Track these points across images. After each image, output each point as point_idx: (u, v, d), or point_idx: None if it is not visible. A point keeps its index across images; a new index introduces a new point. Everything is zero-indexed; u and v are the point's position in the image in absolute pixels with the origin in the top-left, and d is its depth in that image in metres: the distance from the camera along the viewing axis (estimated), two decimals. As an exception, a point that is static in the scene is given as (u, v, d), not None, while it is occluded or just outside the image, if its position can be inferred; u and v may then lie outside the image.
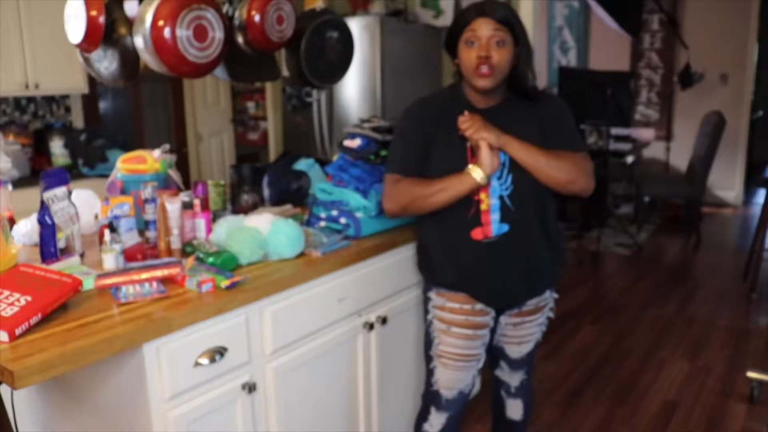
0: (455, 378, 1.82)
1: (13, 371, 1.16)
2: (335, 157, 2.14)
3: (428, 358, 1.87)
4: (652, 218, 6.08)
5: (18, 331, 1.28)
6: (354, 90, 3.92)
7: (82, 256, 1.75)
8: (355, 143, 2.07)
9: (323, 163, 2.45)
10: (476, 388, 2.60)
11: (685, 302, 4.01)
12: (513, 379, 1.98)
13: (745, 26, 6.26)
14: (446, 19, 4.11)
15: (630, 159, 5.91)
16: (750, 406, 2.74)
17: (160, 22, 1.84)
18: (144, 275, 1.52)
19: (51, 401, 1.72)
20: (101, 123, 4.60)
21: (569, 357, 3.25)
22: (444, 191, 1.65)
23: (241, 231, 1.76)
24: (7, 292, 1.37)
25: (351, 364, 1.97)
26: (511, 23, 1.61)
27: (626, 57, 6.87)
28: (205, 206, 1.90)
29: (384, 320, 2.03)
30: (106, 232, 1.68)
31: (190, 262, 1.64)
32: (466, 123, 1.63)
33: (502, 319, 1.84)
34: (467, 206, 1.68)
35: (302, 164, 2.40)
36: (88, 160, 3.81)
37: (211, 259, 1.68)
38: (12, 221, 1.90)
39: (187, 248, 1.80)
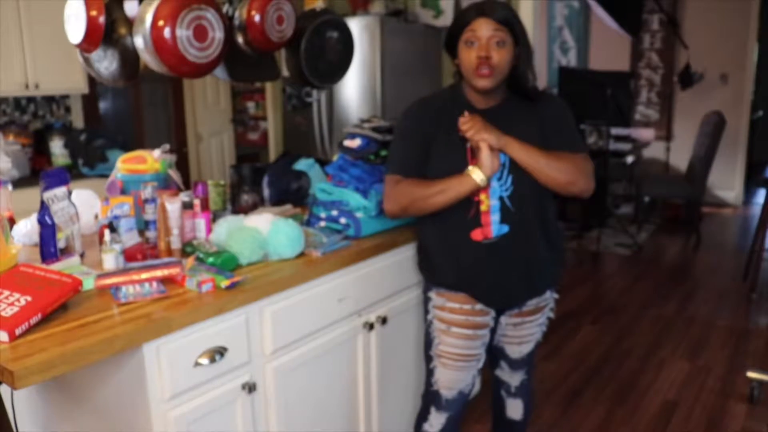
0: (455, 378, 1.82)
1: (13, 371, 1.16)
2: (335, 157, 2.14)
3: (428, 358, 1.87)
4: (652, 218, 6.08)
5: (18, 331, 1.28)
6: (354, 90, 3.92)
7: (82, 256, 1.75)
8: (355, 143, 2.07)
9: (323, 163, 2.45)
10: (476, 388, 2.60)
11: (685, 302, 4.01)
12: (513, 379, 1.98)
13: (745, 26, 6.26)
14: (446, 19, 4.11)
15: (630, 159, 5.91)
16: (750, 406, 2.74)
17: (160, 22, 1.84)
18: (144, 275, 1.52)
19: (51, 401, 1.72)
20: (101, 123, 4.60)
21: (569, 357, 3.25)
22: (444, 192, 1.65)
23: (241, 231, 1.76)
24: (7, 292, 1.37)
25: (351, 364, 1.97)
26: (511, 23, 1.61)
27: (626, 57, 6.87)
28: (205, 206, 1.90)
29: (384, 320, 2.03)
30: (106, 232, 1.68)
31: (190, 262, 1.64)
32: (467, 124, 1.63)
33: (503, 319, 1.84)
34: (467, 207, 1.68)
35: (302, 164, 2.40)
36: (88, 160, 3.81)
37: (211, 259, 1.68)
38: (12, 221, 1.90)
39: (187, 248, 1.80)
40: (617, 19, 6.22)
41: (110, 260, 1.66)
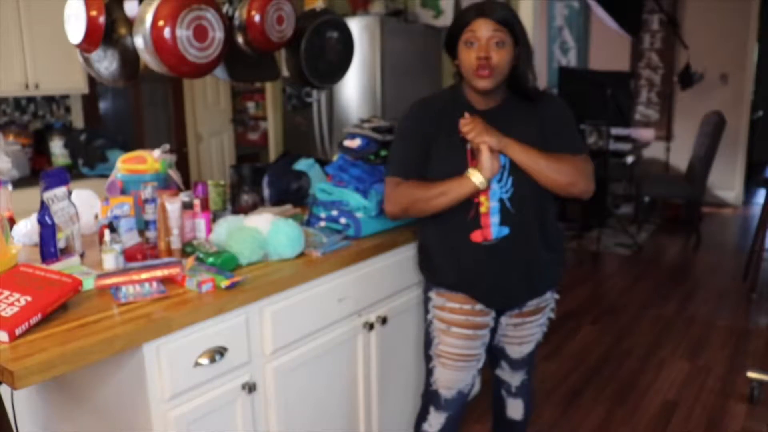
0: (454, 378, 1.82)
1: (13, 371, 1.16)
2: (335, 157, 2.14)
3: (428, 358, 1.87)
4: (652, 218, 6.08)
5: (18, 331, 1.28)
6: (354, 90, 3.92)
7: (82, 256, 1.75)
8: (355, 143, 2.07)
9: (323, 163, 2.45)
10: (476, 388, 2.60)
11: (685, 302, 4.01)
12: (514, 378, 1.98)
13: (745, 26, 6.26)
14: (446, 19, 4.11)
15: (630, 159, 5.91)
16: (750, 406, 2.74)
17: (160, 22, 1.84)
18: (144, 275, 1.52)
19: (51, 401, 1.72)
20: (101, 123, 4.60)
21: (569, 357, 3.25)
22: (444, 195, 1.65)
23: (241, 231, 1.76)
24: (7, 292, 1.37)
25: (351, 364, 1.97)
26: (510, 23, 1.61)
27: (626, 57, 6.87)
28: (205, 206, 1.90)
29: (384, 320, 2.03)
30: (106, 232, 1.68)
31: (190, 262, 1.64)
32: (468, 125, 1.62)
33: (503, 319, 1.84)
34: (467, 209, 1.68)
35: (302, 164, 2.40)
36: (88, 160, 3.81)
37: (211, 259, 1.68)
38: (12, 221, 1.90)
39: (187, 248, 1.80)
40: (617, 19, 6.22)
41: (110, 260, 1.66)
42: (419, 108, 1.77)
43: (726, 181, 6.60)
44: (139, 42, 1.90)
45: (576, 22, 7.03)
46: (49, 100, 4.14)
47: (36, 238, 1.78)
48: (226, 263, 1.67)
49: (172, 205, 1.82)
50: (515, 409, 2.03)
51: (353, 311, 1.93)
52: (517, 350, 1.91)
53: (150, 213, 1.83)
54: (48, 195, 1.67)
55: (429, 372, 1.88)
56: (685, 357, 3.24)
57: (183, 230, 1.86)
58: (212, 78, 2.75)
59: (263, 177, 2.25)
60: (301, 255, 1.83)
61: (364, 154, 2.05)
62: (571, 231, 5.43)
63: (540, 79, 1.74)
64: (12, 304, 1.33)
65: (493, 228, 1.68)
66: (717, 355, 3.25)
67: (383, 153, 2.05)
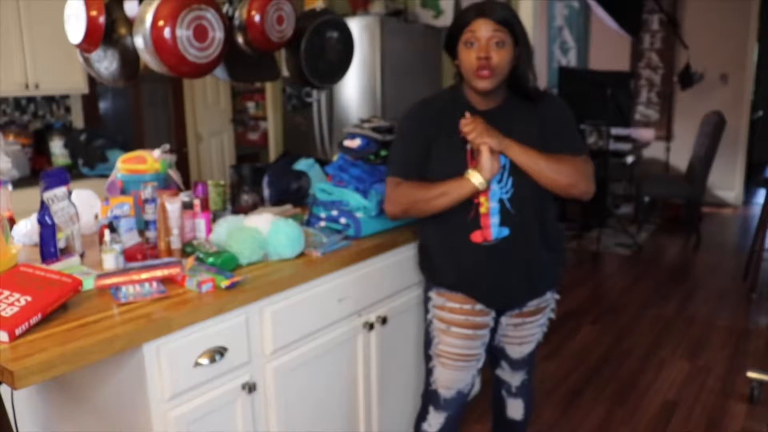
0: (454, 378, 1.82)
1: (13, 371, 1.16)
2: (335, 157, 2.14)
3: (427, 358, 1.87)
4: (652, 218, 6.08)
5: (18, 331, 1.28)
6: (354, 90, 3.92)
7: (82, 256, 1.75)
8: (355, 143, 2.07)
9: (323, 163, 2.45)
10: (476, 389, 2.60)
11: (685, 302, 4.01)
12: (514, 379, 1.98)
13: (745, 26, 6.26)
14: (446, 19, 4.11)
15: (630, 159, 5.91)
16: (750, 406, 2.74)
17: (160, 22, 1.84)
18: (144, 275, 1.52)
19: (51, 401, 1.72)
20: (101, 123, 4.60)
21: (569, 357, 3.25)
22: (444, 196, 1.65)
23: (241, 231, 1.76)
24: (7, 292, 1.37)
25: (351, 364, 1.97)
26: (510, 24, 1.61)
27: (626, 57, 6.87)
28: (205, 206, 1.90)
29: (384, 320, 2.03)
30: (106, 232, 1.68)
31: (190, 262, 1.64)
32: (468, 126, 1.62)
33: (503, 319, 1.84)
34: (467, 209, 1.68)
35: (302, 164, 2.40)
36: (88, 160, 3.81)
37: (211, 259, 1.68)
38: (12, 221, 1.90)
39: (187, 248, 1.80)
40: (617, 19, 6.22)
41: (110, 260, 1.66)
42: (419, 108, 1.77)
43: (726, 181, 6.60)
44: (139, 42, 1.90)
45: (576, 22, 7.03)
46: (49, 100, 4.14)
47: (36, 238, 1.78)
48: (226, 263, 1.67)
49: (172, 205, 1.82)
50: (515, 409, 2.03)
51: (353, 311, 1.93)
52: (517, 350, 1.91)
53: (150, 213, 1.83)
54: (48, 195, 1.67)
55: (429, 372, 1.88)
56: (685, 357, 3.24)
57: (183, 230, 1.86)
58: (212, 78, 2.75)
59: (263, 177, 2.25)
60: (301, 255, 1.83)
61: (364, 154, 2.05)
62: (571, 231, 5.43)
63: (540, 79, 1.73)
64: (12, 304, 1.33)
65: (492, 229, 1.68)
66: (717, 355, 3.25)
67: (383, 153, 2.05)
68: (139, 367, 1.39)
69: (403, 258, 2.08)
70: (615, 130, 5.97)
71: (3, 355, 1.22)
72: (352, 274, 1.90)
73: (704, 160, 5.15)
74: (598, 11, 6.30)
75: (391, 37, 3.85)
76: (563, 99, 1.80)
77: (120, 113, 5.10)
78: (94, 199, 2.06)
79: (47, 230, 1.66)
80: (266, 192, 2.25)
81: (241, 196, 2.23)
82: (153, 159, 2.09)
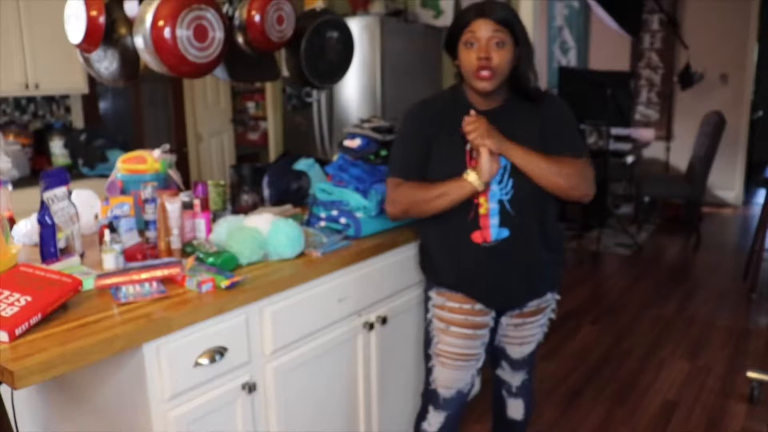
0: (453, 377, 1.82)
1: (13, 371, 1.16)
2: (335, 157, 2.14)
3: (427, 357, 1.87)
4: (652, 218, 6.08)
5: (18, 331, 1.28)
6: (354, 90, 3.92)
7: (82, 256, 1.75)
8: (355, 143, 2.07)
9: (323, 163, 2.45)
10: (476, 388, 2.60)
11: (685, 302, 4.01)
12: (514, 379, 1.98)
13: (745, 26, 6.26)
14: (446, 19, 4.11)
15: (630, 159, 5.91)
16: (750, 406, 2.74)
17: (160, 22, 1.84)
18: (144, 275, 1.52)
19: (51, 401, 1.72)
20: (101, 123, 4.60)
21: (569, 357, 3.25)
22: (444, 196, 1.65)
23: (241, 231, 1.76)
24: (7, 292, 1.37)
25: (351, 364, 1.97)
26: (510, 24, 1.61)
27: (626, 57, 6.87)
28: (205, 206, 1.90)
29: (384, 320, 2.03)
30: (106, 232, 1.68)
31: (190, 262, 1.64)
32: (471, 125, 1.62)
33: (503, 319, 1.84)
34: (467, 209, 1.68)
35: (302, 164, 2.40)
36: (88, 160, 3.81)
37: (211, 259, 1.68)
38: (12, 221, 1.90)
39: (187, 248, 1.80)
40: (617, 19, 6.22)
41: (110, 260, 1.66)
42: (420, 109, 1.77)
43: (726, 181, 6.60)
44: (139, 42, 1.90)
45: (576, 22, 7.03)
46: (49, 100, 4.14)
47: (36, 238, 1.78)
48: (226, 263, 1.67)
49: (172, 205, 1.82)
50: (516, 409, 2.03)
51: (353, 311, 1.93)
52: (517, 350, 1.91)
53: (150, 213, 1.83)
54: (48, 195, 1.67)
55: (428, 371, 1.88)
56: (685, 357, 3.24)
57: (183, 230, 1.86)
58: (212, 78, 2.75)
59: (263, 177, 2.25)
60: (301, 255, 1.83)
61: (364, 154, 2.05)
62: (571, 231, 5.43)
63: (540, 79, 1.73)
64: (12, 304, 1.33)
65: (492, 229, 1.67)
66: (717, 355, 3.25)
67: (383, 153, 2.05)
68: (139, 367, 1.39)
69: (403, 258, 2.08)
70: (615, 130, 5.97)
71: (3, 355, 1.22)
72: (352, 274, 1.90)
73: (704, 160, 5.15)
74: (598, 11, 6.30)
75: (391, 37, 3.85)
76: (563, 99, 1.80)
77: (120, 113, 5.10)
78: (94, 199, 2.06)
79: (47, 230, 1.66)
80: (266, 192, 2.25)
81: (241, 196, 2.23)
82: (153, 159, 2.09)
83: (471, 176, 1.62)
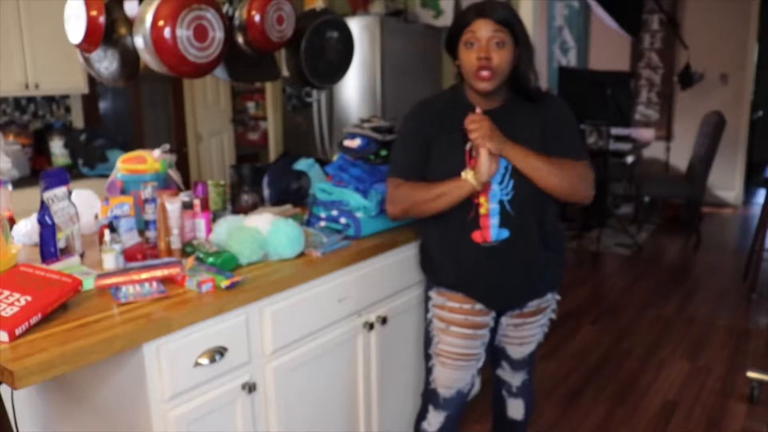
0: (453, 377, 1.82)
1: (13, 371, 1.16)
2: (335, 157, 2.14)
3: (427, 357, 1.87)
4: (652, 218, 6.08)
5: (18, 331, 1.28)
6: (354, 90, 3.92)
7: (82, 256, 1.75)
8: (355, 143, 2.07)
9: (323, 163, 2.45)
10: (476, 388, 2.60)
11: (685, 302, 4.01)
12: (515, 379, 1.98)
13: (745, 26, 6.26)
14: (446, 19, 4.11)
15: (630, 159, 5.91)
16: (750, 406, 2.74)
17: (160, 22, 1.84)
18: (144, 275, 1.52)
19: (51, 401, 1.72)
20: (101, 123, 4.60)
21: (569, 357, 3.25)
22: (443, 196, 1.65)
23: (241, 231, 1.76)
24: (7, 292, 1.37)
25: (351, 364, 1.97)
26: (511, 24, 1.60)
27: (626, 57, 6.87)
28: (205, 206, 1.90)
29: (384, 320, 2.03)
30: (106, 232, 1.68)
31: (190, 262, 1.64)
32: (474, 124, 1.61)
33: (504, 320, 1.84)
34: (468, 209, 1.67)
35: (302, 164, 2.40)
36: (88, 160, 3.81)
37: (211, 259, 1.68)
38: (12, 221, 1.90)
39: (187, 248, 1.80)
40: (617, 19, 6.22)
41: (110, 260, 1.66)
42: (420, 109, 1.77)
43: (726, 181, 6.60)
44: (139, 42, 1.90)
45: (576, 22, 7.03)
46: (49, 100, 4.14)
47: (36, 238, 1.78)
48: (226, 263, 1.67)
49: (172, 205, 1.82)
50: (516, 409, 2.03)
51: (353, 311, 1.93)
52: (517, 351, 1.91)
53: (150, 213, 1.83)
54: (48, 195, 1.67)
55: (428, 371, 1.88)
56: (685, 357, 3.24)
57: (183, 230, 1.86)
58: (212, 78, 2.75)
59: (263, 177, 2.25)
60: (301, 255, 1.83)
61: (364, 154, 2.05)
62: (571, 231, 5.43)
63: (540, 80, 1.73)
64: (12, 304, 1.33)
65: (492, 230, 1.67)
66: (717, 355, 3.25)
67: (383, 153, 2.05)
68: (139, 367, 1.39)
69: (403, 258, 2.08)
70: (615, 130, 5.97)
71: (3, 355, 1.22)
72: (352, 274, 1.90)
73: (704, 160, 5.15)
74: (598, 11, 6.30)
75: (391, 37, 3.85)
76: (563, 99, 1.79)
77: (120, 113, 5.10)
78: (94, 199, 2.06)
79: (47, 230, 1.66)
80: (266, 192, 2.25)
81: (241, 196, 2.23)
82: (153, 159, 2.09)
83: (469, 175, 1.62)
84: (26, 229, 1.91)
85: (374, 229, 2.03)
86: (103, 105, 4.82)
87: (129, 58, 2.02)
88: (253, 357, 1.63)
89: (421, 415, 1.92)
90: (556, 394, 2.87)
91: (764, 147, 7.62)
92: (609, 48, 6.88)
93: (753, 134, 6.84)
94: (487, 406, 2.19)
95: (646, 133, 6.71)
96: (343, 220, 2.00)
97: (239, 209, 2.19)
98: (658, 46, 6.71)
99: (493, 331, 1.86)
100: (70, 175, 1.78)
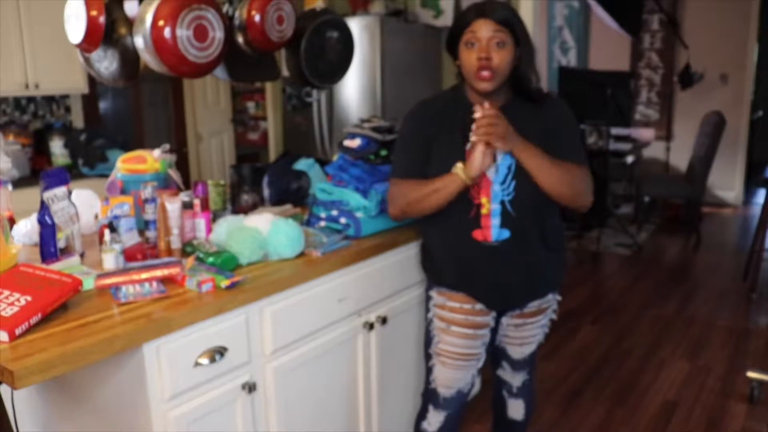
0: (454, 377, 1.82)
1: (13, 371, 1.16)
2: (335, 157, 2.14)
3: (428, 356, 1.87)
4: (652, 218, 6.08)
5: (18, 331, 1.28)
6: (354, 90, 3.92)
7: (82, 256, 1.75)
8: (355, 143, 2.07)
9: (323, 163, 2.45)
10: (476, 388, 2.60)
11: (685, 302, 4.01)
12: (515, 379, 1.98)
13: (745, 26, 6.26)
14: (446, 19, 4.11)
15: (630, 159, 5.91)
16: (750, 406, 2.74)
17: (160, 22, 1.84)
18: (144, 275, 1.52)
19: (51, 401, 1.72)
20: (101, 123, 4.60)
21: (569, 357, 3.25)
22: (437, 192, 1.65)
23: (241, 231, 1.76)
24: (7, 292, 1.37)
25: (351, 364, 1.97)
26: (511, 24, 1.60)
27: (626, 57, 6.87)
28: (205, 206, 1.90)
29: (384, 320, 2.03)
30: (106, 232, 1.68)
31: (190, 262, 1.64)
32: (489, 119, 1.56)
33: (504, 320, 1.84)
34: (468, 208, 1.67)
35: (302, 164, 2.40)
36: (88, 160, 3.81)
37: (211, 259, 1.68)
38: (12, 221, 1.90)
39: (187, 248, 1.80)
40: (617, 19, 6.22)
41: (110, 260, 1.66)
42: (420, 109, 1.77)
43: (726, 181, 6.60)
44: (139, 42, 1.90)
45: (576, 22, 7.03)
46: (49, 100, 4.14)
47: (36, 238, 1.78)
48: (226, 263, 1.67)
49: (172, 205, 1.82)
50: (516, 409, 2.03)
51: (353, 311, 1.93)
52: (518, 351, 1.91)
53: (150, 213, 1.83)
54: (48, 195, 1.67)
55: (428, 370, 1.88)
56: (685, 357, 3.24)
57: (183, 230, 1.86)
58: (212, 78, 2.75)
59: (263, 177, 2.25)
60: (301, 255, 1.83)
61: (364, 154, 2.05)
62: (571, 231, 5.43)
63: (541, 80, 1.72)
64: (12, 303, 1.33)
65: (493, 230, 1.67)
66: (717, 355, 3.25)
67: (383, 153, 2.05)
68: (139, 367, 1.39)
69: (403, 258, 2.08)
70: (615, 130, 5.97)
71: (3, 355, 1.22)
72: (352, 274, 1.90)
73: (704, 160, 5.15)
74: (598, 11, 6.30)
75: (391, 37, 3.85)
76: (563, 99, 1.79)
77: (120, 113, 5.10)
78: (94, 199, 2.06)
79: (47, 230, 1.66)
80: (266, 192, 2.25)
81: (241, 196, 2.23)
82: (153, 159, 2.09)
83: (458, 168, 1.62)
84: (26, 229, 1.91)
85: (374, 229, 2.03)
86: (103, 105, 4.82)
87: (129, 58, 2.02)
88: (253, 357, 1.63)
89: (421, 415, 1.92)
90: (556, 394, 2.87)
91: (764, 147, 7.62)
92: (609, 48, 6.88)
93: (753, 134, 6.84)
94: (487, 406, 2.19)
95: (646, 133, 6.71)
96: (343, 220, 2.00)
97: (239, 209, 2.19)
98: (658, 46, 6.71)
99: (494, 331, 1.86)
100: (70, 175, 1.78)
